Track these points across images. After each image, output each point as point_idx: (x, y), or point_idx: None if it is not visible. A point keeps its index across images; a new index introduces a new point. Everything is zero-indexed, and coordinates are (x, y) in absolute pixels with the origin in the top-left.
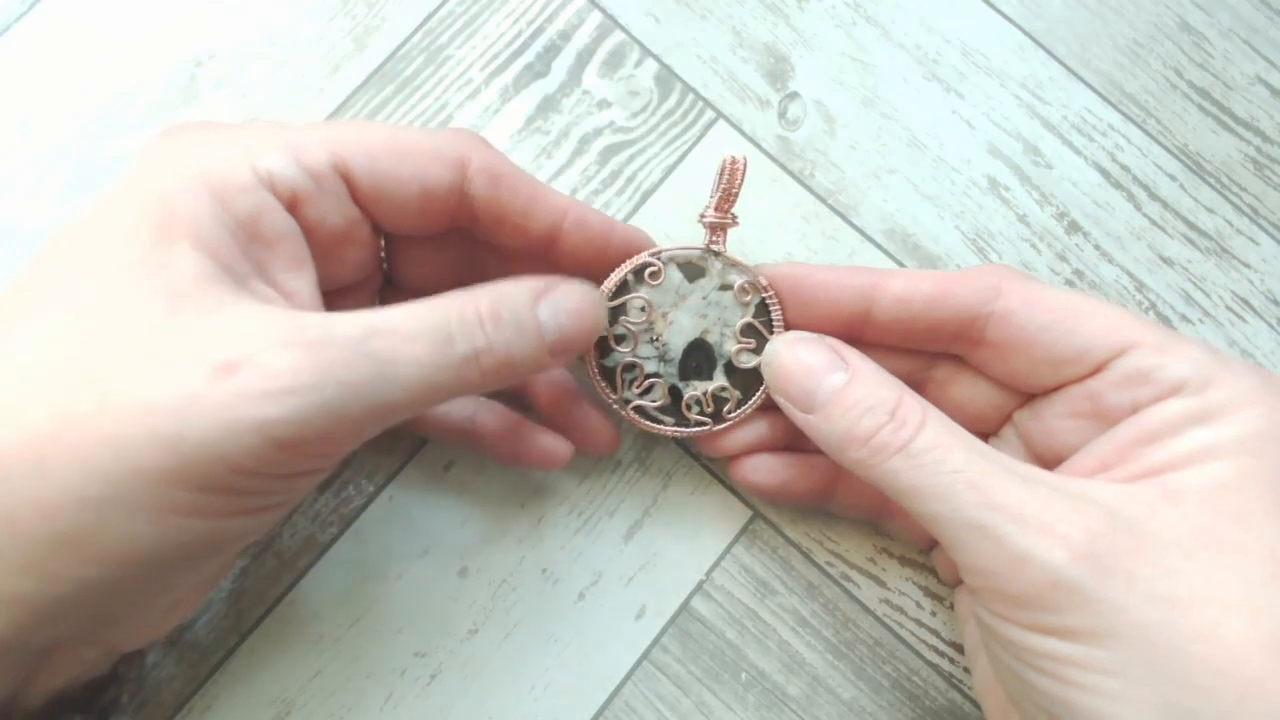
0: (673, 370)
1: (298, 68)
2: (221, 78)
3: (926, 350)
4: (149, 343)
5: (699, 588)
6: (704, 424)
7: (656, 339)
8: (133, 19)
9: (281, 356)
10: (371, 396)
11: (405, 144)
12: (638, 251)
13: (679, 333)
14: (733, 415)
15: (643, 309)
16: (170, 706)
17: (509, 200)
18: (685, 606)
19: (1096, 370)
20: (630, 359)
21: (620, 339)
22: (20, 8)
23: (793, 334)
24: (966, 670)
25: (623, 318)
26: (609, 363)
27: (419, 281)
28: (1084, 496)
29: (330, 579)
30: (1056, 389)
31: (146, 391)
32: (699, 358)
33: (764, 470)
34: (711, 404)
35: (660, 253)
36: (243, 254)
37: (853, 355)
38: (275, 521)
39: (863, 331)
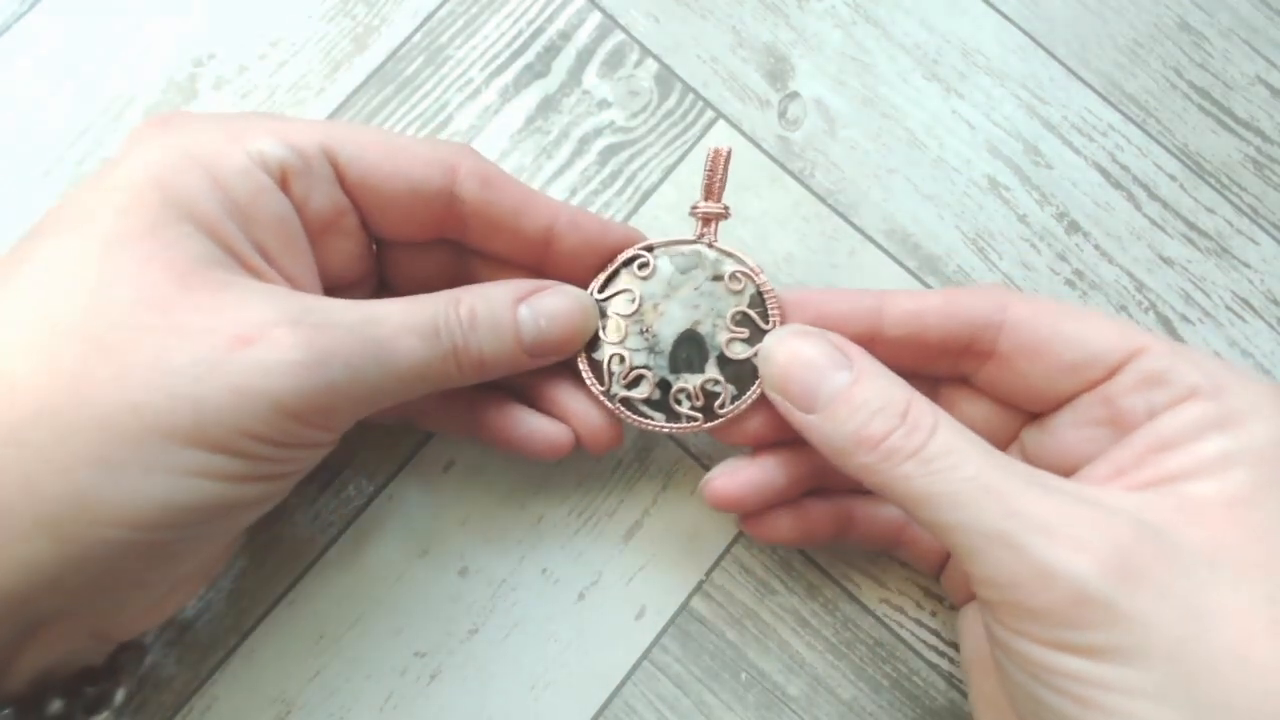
0: (663, 362)
1: (298, 68)
2: (221, 78)
3: (934, 372)
4: (163, 316)
5: (699, 588)
6: (694, 419)
7: (646, 330)
8: (133, 18)
9: (293, 333)
10: (369, 379)
11: (395, 143)
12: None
13: (669, 324)
14: (725, 411)
15: (632, 301)
16: (170, 706)
17: (499, 203)
18: (685, 606)
19: (1110, 374)
20: (618, 351)
21: (608, 334)
22: (20, 8)
23: (792, 327)
24: None
25: (613, 311)
26: (598, 356)
27: (411, 288)
28: (1107, 505)
29: (330, 579)
30: (1067, 400)
31: (165, 360)
32: (690, 349)
33: (783, 527)
34: (701, 397)
35: (652, 245)
36: (243, 236)
37: (856, 351)
38: (279, 494)
39: (872, 351)
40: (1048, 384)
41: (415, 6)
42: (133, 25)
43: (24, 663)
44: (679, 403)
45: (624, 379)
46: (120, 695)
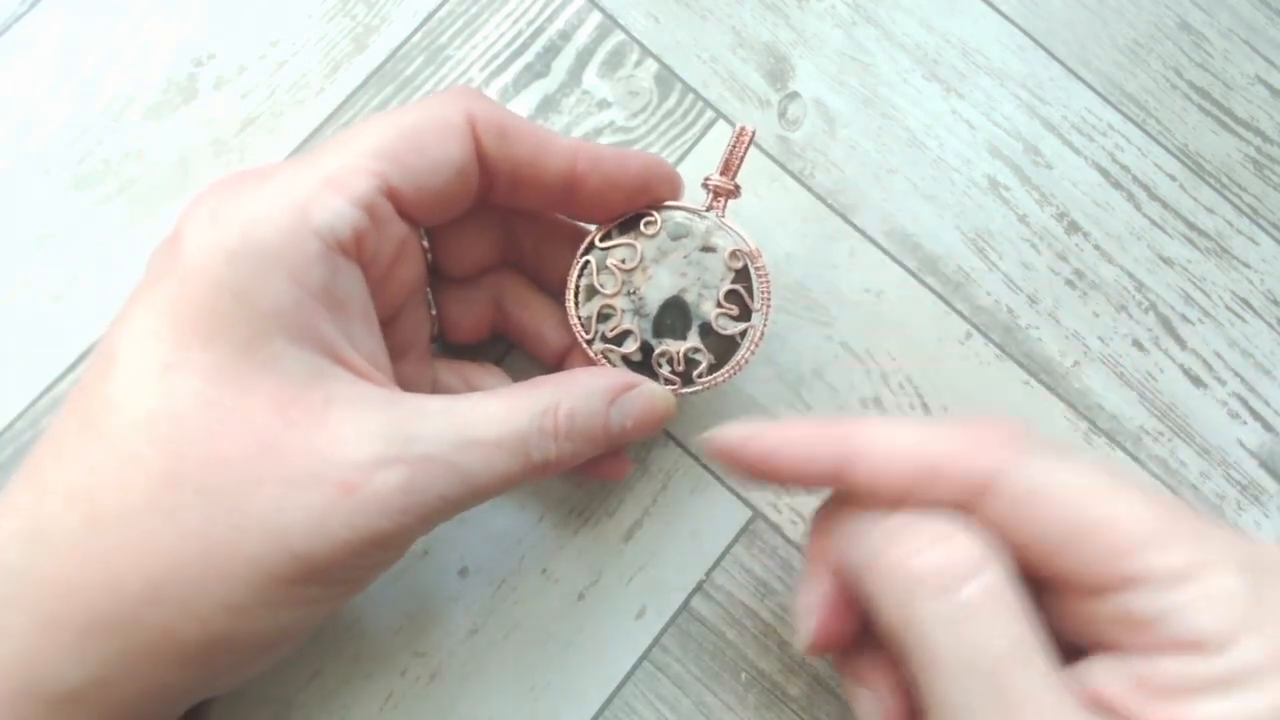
0: (647, 325)
1: (298, 68)
2: (221, 78)
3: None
4: (273, 463)
5: (699, 588)
6: (672, 383)
7: (634, 292)
8: (133, 18)
9: (393, 477)
10: (456, 502)
11: (421, 131)
12: (656, 178)
13: (656, 288)
14: (702, 381)
15: (634, 254)
16: None
17: (517, 151)
18: (685, 606)
19: (1095, 593)
20: (610, 304)
21: (604, 285)
22: (20, 8)
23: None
24: None
25: (612, 262)
26: (589, 307)
27: (464, 267)
28: None
29: None
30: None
31: (279, 517)
32: (674, 316)
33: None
34: (682, 363)
35: (660, 207)
36: (326, 326)
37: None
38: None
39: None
40: (1032, 565)
41: (415, 6)
42: (133, 25)
43: None
44: (659, 366)
45: (611, 333)
46: None
